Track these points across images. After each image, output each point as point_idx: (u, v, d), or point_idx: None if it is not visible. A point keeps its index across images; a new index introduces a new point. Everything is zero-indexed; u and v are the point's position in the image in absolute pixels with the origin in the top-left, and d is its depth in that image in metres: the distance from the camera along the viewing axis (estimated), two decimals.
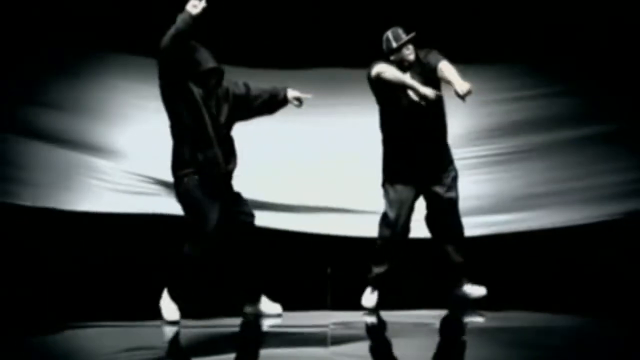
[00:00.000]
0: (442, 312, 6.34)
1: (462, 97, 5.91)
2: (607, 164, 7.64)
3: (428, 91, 5.99)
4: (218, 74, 5.95)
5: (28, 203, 7.41)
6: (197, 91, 5.88)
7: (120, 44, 7.55)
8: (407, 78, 6.11)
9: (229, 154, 5.99)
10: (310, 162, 7.67)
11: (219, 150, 5.90)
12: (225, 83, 6.05)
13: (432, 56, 6.19)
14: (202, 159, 5.89)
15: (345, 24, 7.59)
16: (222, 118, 5.98)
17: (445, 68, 6.08)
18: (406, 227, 6.32)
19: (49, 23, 7.46)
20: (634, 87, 7.57)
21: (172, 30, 5.73)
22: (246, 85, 6.12)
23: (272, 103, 6.15)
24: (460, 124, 7.15)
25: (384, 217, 6.33)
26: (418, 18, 7.28)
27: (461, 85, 5.90)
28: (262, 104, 6.13)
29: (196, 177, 5.92)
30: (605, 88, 7.62)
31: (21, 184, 7.43)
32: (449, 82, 6.02)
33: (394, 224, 6.27)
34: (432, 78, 6.14)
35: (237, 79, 6.21)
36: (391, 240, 6.30)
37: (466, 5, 7.64)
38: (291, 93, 6.14)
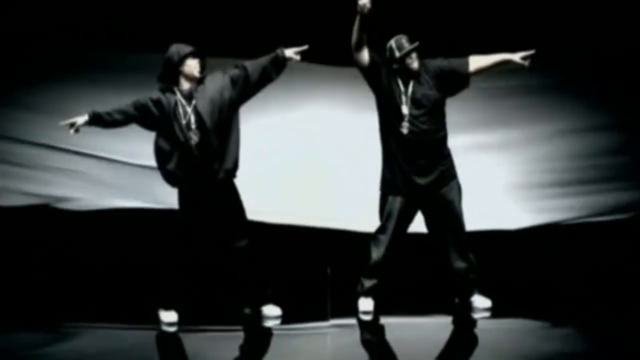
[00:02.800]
0: (443, 314, 6.34)
1: (525, 61, 6.09)
2: (607, 158, 7.64)
3: (361, 1, 5.91)
4: (197, 56, 5.97)
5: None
6: (155, 106, 5.96)
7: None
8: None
9: (215, 160, 5.98)
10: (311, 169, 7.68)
11: (176, 167, 5.97)
12: (217, 73, 6.05)
13: (452, 61, 6.21)
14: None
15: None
16: (215, 115, 5.94)
17: (479, 59, 6.17)
18: (398, 243, 6.28)
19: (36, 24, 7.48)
20: (636, 81, 7.55)
21: None
22: (241, 67, 6.09)
23: (275, 68, 6.11)
24: (459, 113, 7.08)
25: (377, 233, 6.31)
26: (417, 15, 7.34)
27: (515, 55, 6.09)
28: (265, 74, 6.09)
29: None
30: (607, 82, 7.61)
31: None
32: (497, 65, 6.18)
33: (384, 242, 6.25)
34: (445, 84, 6.18)
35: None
36: (382, 258, 6.27)
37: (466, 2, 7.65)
38: (289, 51, 6.10)
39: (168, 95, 5.98)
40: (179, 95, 5.97)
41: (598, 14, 7.51)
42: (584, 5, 7.50)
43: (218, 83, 6.01)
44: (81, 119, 5.92)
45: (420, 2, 7.55)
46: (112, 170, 7.50)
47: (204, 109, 5.93)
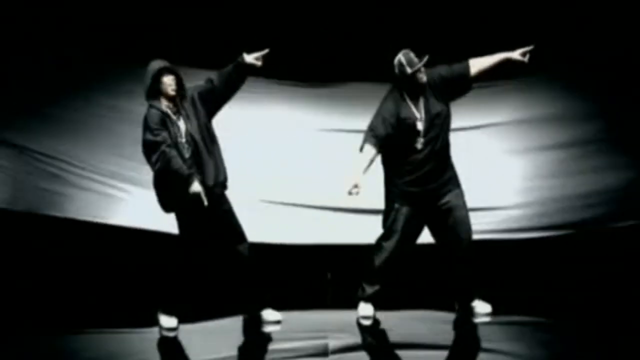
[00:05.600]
0: (444, 321, 6.31)
1: (525, 57, 6.12)
2: (606, 169, 7.63)
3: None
4: (171, 73, 5.98)
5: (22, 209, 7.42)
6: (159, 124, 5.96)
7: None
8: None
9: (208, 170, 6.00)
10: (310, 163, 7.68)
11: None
12: (188, 90, 6.07)
13: (453, 66, 6.22)
14: None
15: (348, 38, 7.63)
16: (200, 132, 5.99)
17: (479, 61, 6.19)
18: (403, 253, 6.29)
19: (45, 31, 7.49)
20: (636, 92, 7.55)
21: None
22: (208, 80, 6.13)
23: (238, 75, 6.11)
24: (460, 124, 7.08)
25: (381, 240, 6.31)
26: (414, 22, 7.34)
27: (514, 53, 6.12)
28: (230, 83, 6.11)
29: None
30: (608, 92, 7.60)
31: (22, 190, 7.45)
32: (498, 65, 6.18)
33: (387, 248, 6.25)
34: (448, 91, 6.20)
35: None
36: (385, 264, 6.27)
37: (468, 11, 7.65)
38: (248, 57, 6.09)
39: (164, 117, 5.99)
40: (170, 113, 6.00)
41: (597, 14, 7.54)
42: (583, 6, 7.53)
43: (191, 100, 6.05)
44: (199, 188, 5.92)
45: (421, 5, 7.57)
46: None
47: (190, 127, 5.99)
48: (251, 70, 6.12)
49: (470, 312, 6.31)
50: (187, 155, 5.94)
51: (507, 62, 6.18)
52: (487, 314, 6.29)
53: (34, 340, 5.93)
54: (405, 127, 6.15)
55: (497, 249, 7.39)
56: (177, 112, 6.00)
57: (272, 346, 5.95)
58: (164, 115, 5.96)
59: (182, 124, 5.98)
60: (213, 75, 6.12)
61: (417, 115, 6.15)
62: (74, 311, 6.63)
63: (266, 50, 6.09)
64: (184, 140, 5.96)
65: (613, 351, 5.56)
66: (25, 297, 6.93)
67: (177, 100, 6.00)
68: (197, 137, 5.99)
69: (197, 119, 6.02)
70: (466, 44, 7.42)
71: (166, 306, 6.11)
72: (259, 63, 6.10)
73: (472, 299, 6.34)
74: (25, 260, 7.46)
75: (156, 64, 6.01)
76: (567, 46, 7.55)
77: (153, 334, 6.02)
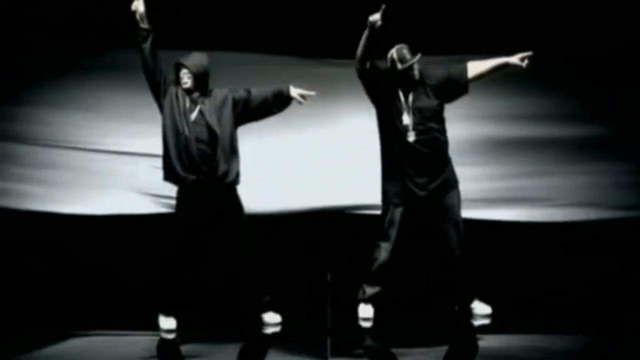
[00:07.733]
0: (444, 323, 6.30)
1: (523, 62, 6.11)
2: (600, 165, 7.63)
3: (371, 17, 5.94)
4: (185, 68, 6.01)
5: (30, 206, 7.38)
6: (169, 96, 6.01)
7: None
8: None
9: (216, 161, 5.99)
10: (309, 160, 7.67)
11: (176, 158, 5.97)
12: (225, 91, 6.12)
13: (451, 68, 6.25)
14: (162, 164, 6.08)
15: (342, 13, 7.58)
16: (216, 123, 6.00)
17: (477, 64, 6.20)
18: (402, 250, 6.29)
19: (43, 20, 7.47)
20: (631, 88, 7.53)
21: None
22: (247, 90, 6.17)
23: (277, 102, 6.17)
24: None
25: (379, 240, 6.31)
26: (413, 18, 7.32)
27: (513, 58, 6.11)
28: (266, 105, 6.16)
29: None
30: (602, 88, 7.59)
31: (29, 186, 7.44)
32: (496, 69, 6.19)
33: (387, 249, 6.25)
34: (444, 92, 6.22)
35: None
36: (385, 263, 6.28)
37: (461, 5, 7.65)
38: (294, 90, 6.16)
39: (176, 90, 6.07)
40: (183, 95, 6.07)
41: (596, 14, 7.52)
42: (582, 5, 7.51)
43: (222, 99, 6.08)
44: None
45: (419, 3, 7.56)
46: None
47: (209, 117, 5.99)
48: (290, 103, 6.17)
49: (470, 314, 6.32)
50: (187, 131, 5.94)
51: (506, 66, 6.20)
52: (487, 316, 6.30)
53: (33, 341, 5.93)
54: (392, 115, 6.18)
55: (496, 249, 7.38)
56: (194, 103, 6.03)
57: (272, 348, 5.95)
58: (177, 91, 6.02)
59: (196, 110, 6.00)
60: (253, 89, 6.15)
61: (406, 108, 6.17)
62: (72, 312, 6.62)
63: (313, 92, 6.15)
64: (192, 119, 5.98)
65: (613, 352, 5.57)
66: (24, 298, 6.92)
67: (194, 94, 6.03)
68: (217, 130, 5.98)
69: (220, 114, 6.03)
70: (465, 42, 7.43)
71: (164, 307, 6.12)
72: (302, 100, 6.16)
73: (471, 300, 6.35)
74: (24, 261, 7.45)
75: (180, 58, 6.04)
76: (567, 46, 7.54)
77: (152, 335, 6.02)
